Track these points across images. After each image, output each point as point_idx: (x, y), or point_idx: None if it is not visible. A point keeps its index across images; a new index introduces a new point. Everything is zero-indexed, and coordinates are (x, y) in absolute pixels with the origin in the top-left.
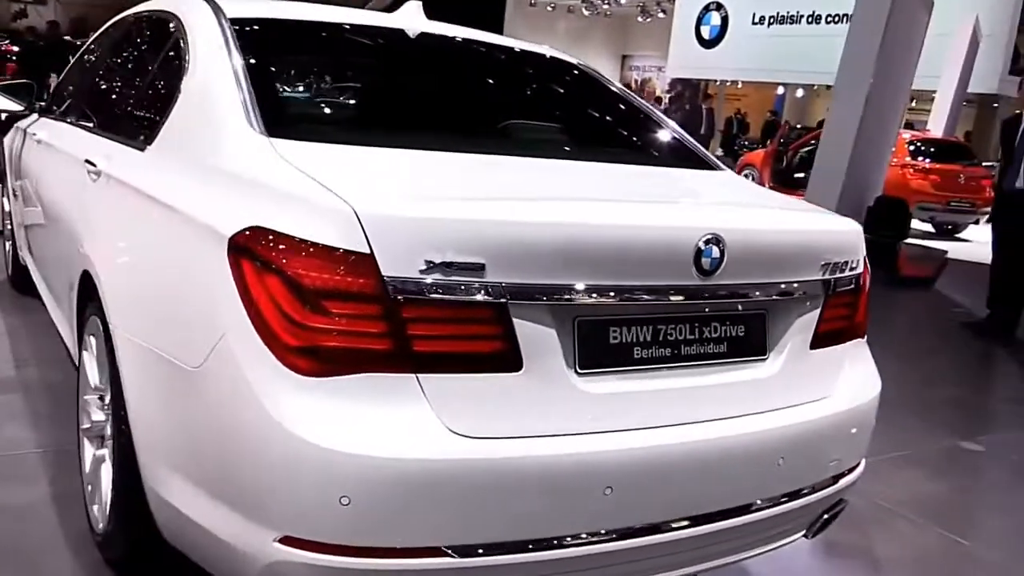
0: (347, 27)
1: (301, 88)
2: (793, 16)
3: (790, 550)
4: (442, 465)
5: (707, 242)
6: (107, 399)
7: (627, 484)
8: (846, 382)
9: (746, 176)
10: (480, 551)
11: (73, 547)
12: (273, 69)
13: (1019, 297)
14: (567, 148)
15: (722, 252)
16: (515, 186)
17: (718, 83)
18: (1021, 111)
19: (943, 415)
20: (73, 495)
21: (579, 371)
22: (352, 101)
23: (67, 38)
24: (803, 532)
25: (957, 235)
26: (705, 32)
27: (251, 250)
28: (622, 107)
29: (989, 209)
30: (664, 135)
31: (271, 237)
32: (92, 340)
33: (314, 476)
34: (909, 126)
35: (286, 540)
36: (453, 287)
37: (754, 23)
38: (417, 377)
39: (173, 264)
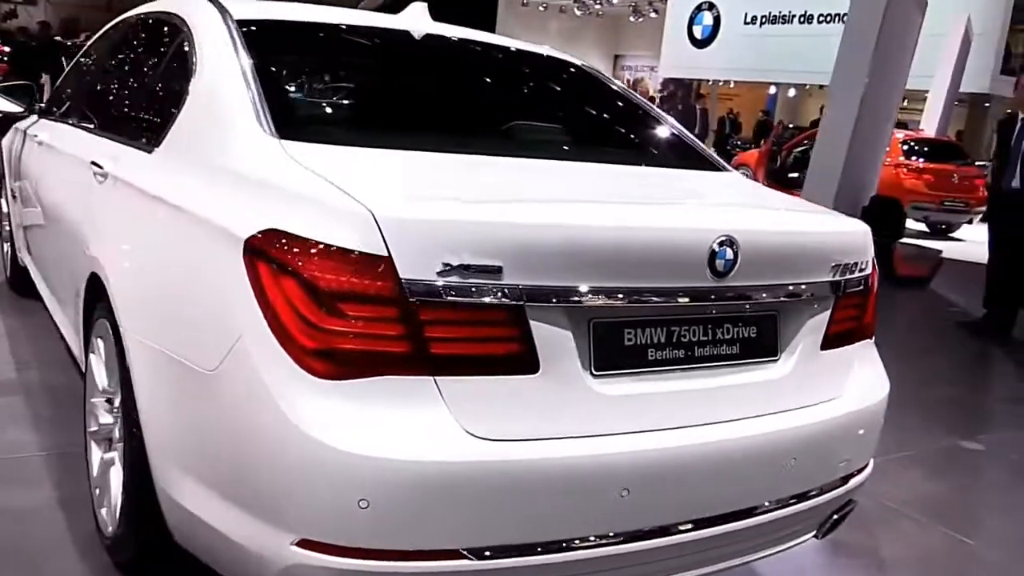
0: (354, 29)
1: (308, 90)
2: (785, 16)
3: (798, 550)
4: (460, 467)
5: (721, 244)
6: (116, 402)
7: (643, 486)
8: (855, 383)
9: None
10: (497, 553)
11: (80, 550)
12: (281, 71)
13: (1015, 296)
14: (577, 149)
15: (736, 254)
16: (530, 188)
17: (710, 83)
18: (1012, 110)
19: (942, 414)
20: (78, 498)
21: (594, 373)
22: (360, 103)
23: (57, 39)
24: (813, 533)
25: (951, 234)
26: (697, 32)
27: (267, 252)
28: (628, 108)
29: (983, 208)
30: (670, 136)
31: (287, 239)
32: (100, 343)
33: (332, 479)
34: (903, 126)
35: (303, 543)
36: (470, 289)
37: (746, 23)
38: (435, 380)
39: (186, 266)
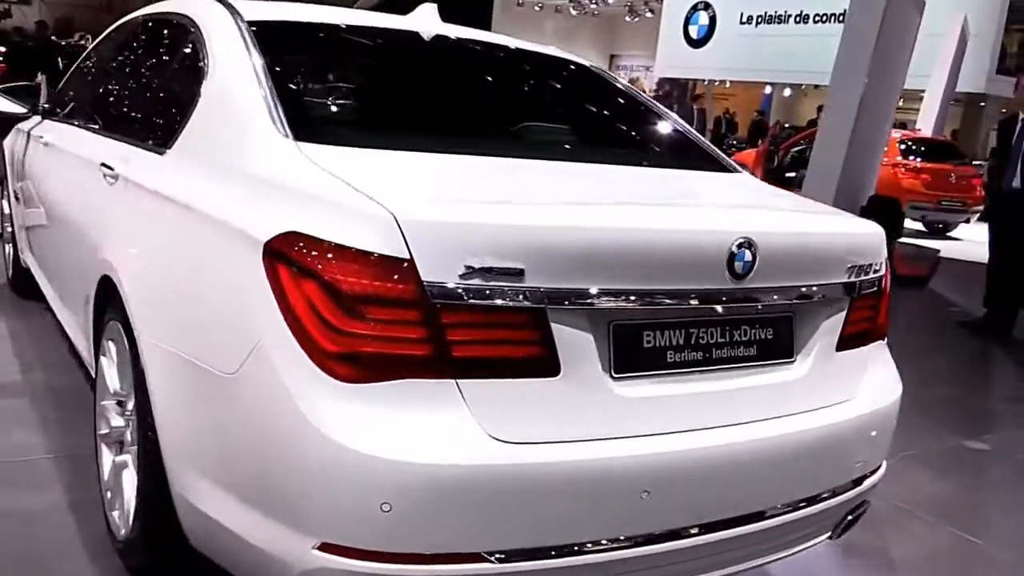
0: (365, 30)
1: (321, 92)
2: (781, 16)
3: (810, 551)
4: (483, 471)
5: (740, 246)
6: (129, 405)
7: (664, 488)
8: (869, 384)
9: None
10: (519, 556)
11: (90, 554)
12: (293, 73)
13: (1016, 296)
14: (591, 151)
15: (754, 256)
16: (549, 190)
17: (706, 82)
18: (1008, 109)
19: (945, 414)
20: (88, 501)
21: (614, 375)
22: (373, 105)
23: (53, 39)
24: (829, 534)
25: (948, 234)
26: (693, 32)
27: (287, 255)
28: (639, 110)
29: (980, 208)
30: (680, 137)
31: (308, 242)
32: (111, 345)
33: (355, 483)
34: (901, 125)
35: (325, 547)
36: (493, 292)
37: (742, 23)
38: (457, 383)
39: (203, 269)
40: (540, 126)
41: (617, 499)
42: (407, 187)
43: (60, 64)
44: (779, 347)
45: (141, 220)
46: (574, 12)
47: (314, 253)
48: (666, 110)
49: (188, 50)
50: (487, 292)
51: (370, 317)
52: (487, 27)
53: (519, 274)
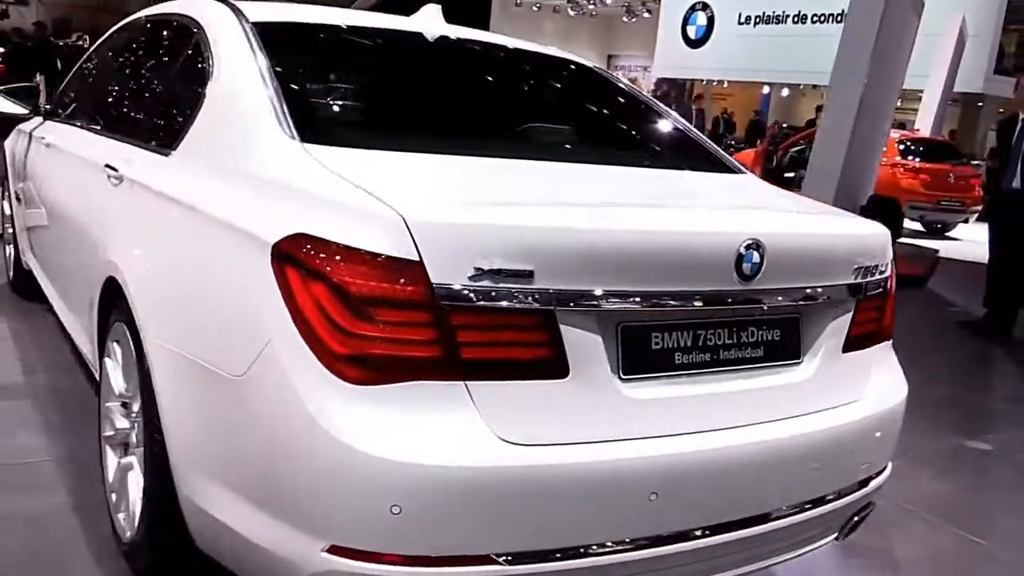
0: (370, 31)
1: (327, 93)
2: (779, 16)
3: (813, 551)
4: (493, 473)
5: (748, 247)
6: (135, 406)
7: (672, 489)
8: (875, 385)
9: None
10: (528, 558)
11: (95, 556)
12: (298, 74)
13: (1016, 296)
14: (597, 152)
15: (762, 257)
16: (558, 192)
17: (704, 83)
18: (1006, 110)
19: (947, 415)
20: (92, 503)
21: (623, 377)
22: (379, 106)
23: (51, 39)
24: (835, 534)
25: (946, 234)
26: (691, 32)
27: (296, 257)
28: (645, 111)
29: (978, 208)
30: (686, 138)
31: (317, 244)
32: (116, 347)
33: (364, 485)
34: (900, 125)
35: (334, 549)
36: (502, 294)
37: (740, 23)
38: (466, 385)
39: (210, 271)
40: (546, 127)
41: (626, 501)
42: (415, 189)
43: (59, 65)
44: (786, 348)
45: (147, 221)
46: (572, 12)
47: (323, 255)
48: (670, 111)
49: (192, 51)
50: (496, 294)
51: (379, 319)
52: (485, 27)
53: (528, 276)
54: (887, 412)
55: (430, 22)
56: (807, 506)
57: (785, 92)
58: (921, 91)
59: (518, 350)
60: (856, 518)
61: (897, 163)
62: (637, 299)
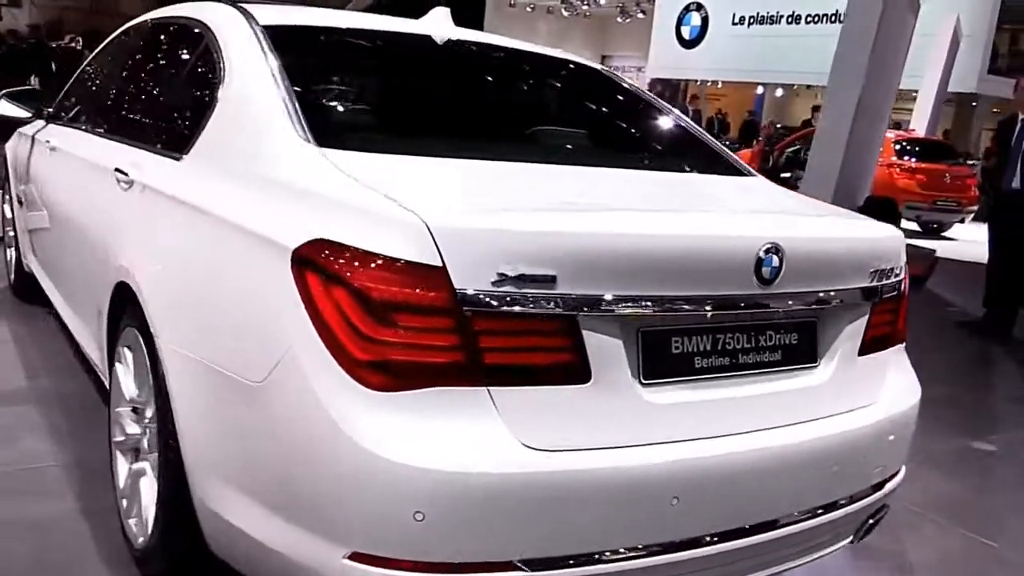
0: (382, 34)
1: (340, 96)
2: (773, 16)
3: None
4: (516, 479)
5: (767, 251)
6: (148, 412)
7: (693, 494)
8: (890, 388)
9: None
10: (550, 565)
11: (106, 562)
12: (312, 78)
13: (1015, 296)
14: (611, 156)
15: (781, 261)
16: (577, 196)
17: (698, 83)
18: (1003, 110)
19: (951, 415)
20: (101, 508)
21: (643, 382)
22: (392, 110)
23: (44, 41)
24: (850, 538)
25: (943, 234)
26: (685, 32)
27: (316, 263)
28: (657, 114)
29: (974, 208)
30: (697, 141)
31: (338, 250)
32: (126, 352)
33: (387, 492)
34: (895, 126)
35: (356, 556)
36: (525, 299)
37: (734, 23)
38: (488, 390)
39: (227, 276)
40: (560, 130)
41: (647, 506)
42: (435, 193)
43: (53, 67)
44: (803, 352)
45: (160, 226)
46: (566, 13)
47: (344, 260)
48: (680, 114)
49: (202, 55)
50: (519, 299)
51: (402, 325)
52: (479, 28)
53: (551, 281)
54: (902, 415)
55: (439, 25)
56: (825, 510)
57: (779, 92)
58: (915, 91)
59: (540, 355)
60: (871, 521)
61: (893, 163)
62: (658, 304)
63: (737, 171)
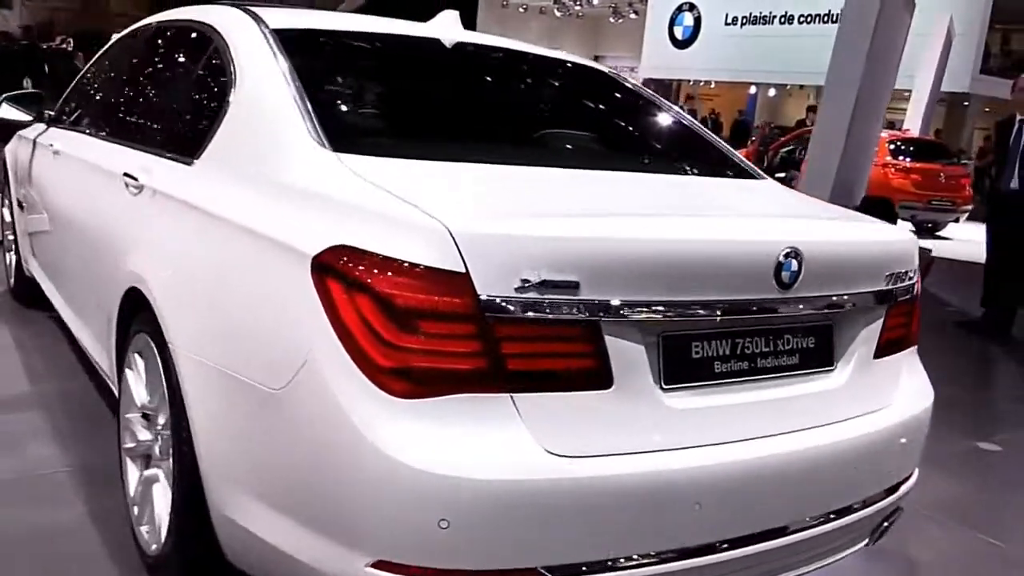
0: (393, 38)
1: (353, 101)
2: (766, 16)
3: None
4: (540, 485)
5: (787, 255)
6: (159, 419)
7: (715, 499)
8: (904, 391)
9: None
10: (573, 571)
11: (117, 569)
12: (323, 82)
13: (1013, 296)
14: (626, 159)
15: (800, 265)
16: (596, 201)
17: (691, 83)
18: (992, 109)
19: (954, 416)
20: (110, 515)
21: (664, 387)
22: (406, 114)
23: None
24: (866, 540)
25: (937, 233)
26: (678, 32)
27: (337, 269)
28: (669, 118)
29: (969, 207)
30: (708, 144)
31: (359, 256)
32: (137, 357)
33: (412, 499)
34: (889, 125)
35: (380, 564)
36: (548, 306)
37: (727, 23)
38: (512, 397)
39: (243, 282)
40: (574, 134)
41: (669, 511)
42: (455, 199)
43: (45, 68)
44: (820, 356)
45: (173, 232)
46: (558, 13)
47: (365, 267)
48: (691, 118)
49: (211, 59)
50: (542, 305)
51: (425, 332)
52: (472, 28)
53: (574, 287)
54: (916, 417)
55: (448, 28)
56: (844, 513)
57: (772, 92)
58: (908, 91)
59: (563, 361)
60: (886, 523)
61: (888, 163)
62: (680, 308)
63: (747, 174)
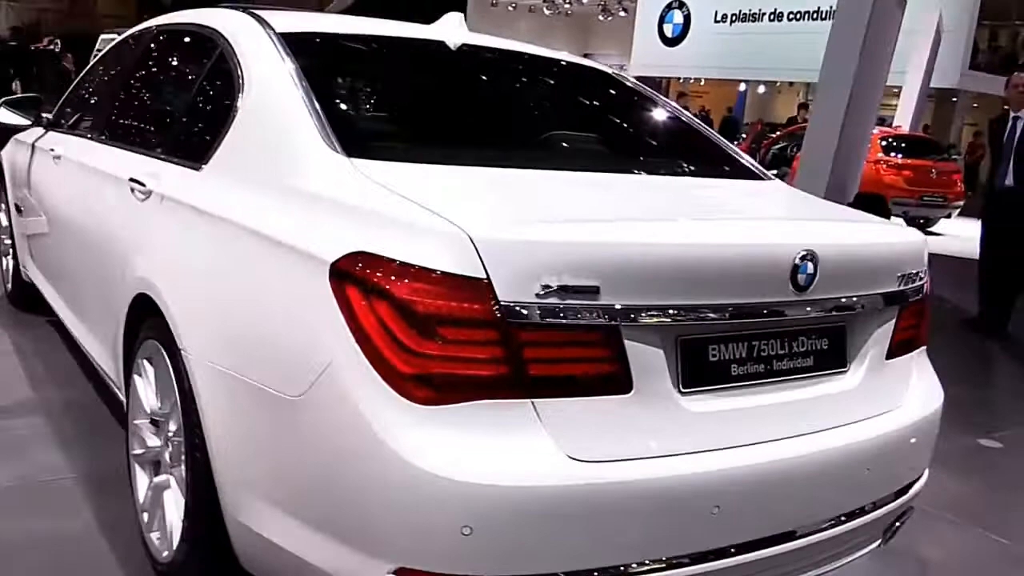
0: (400, 41)
1: (364, 105)
2: (755, 14)
3: None
4: (562, 491)
5: (803, 258)
6: (170, 424)
7: (733, 501)
8: (915, 391)
9: None
10: None
11: None
12: (334, 85)
13: (1009, 293)
14: (639, 162)
15: (816, 268)
16: (613, 205)
17: (681, 80)
18: (982, 106)
19: (954, 413)
20: (118, 522)
21: (682, 390)
22: (418, 118)
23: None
24: (879, 540)
25: (929, 229)
26: (668, 30)
27: (356, 276)
28: (679, 120)
29: (960, 203)
30: (716, 146)
31: (378, 263)
32: (146, 364)
33: (435, 506)
34: (880, 121)
35: (402, 572)
36: (568, 311)
37: (716, 21)
38: (533, 403)
39: (258, 288)
40: (586, 136)
41: (690, 515)
42: (473, 204)
43: (34, 69)
44: (833, 357)
45: (183, 237)
46: (547, 12)
47: (385, 273)
48: (700, 121)
49: (217, 63)
50: (563, 311)
51: (446, 338)
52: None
53: (595, 292)
54: (927, 417)
55: (453, 30)
56: (859, 513)
57: (761, 90)
58: (898, 87)
59: (584, 366)
60: (898, 523)
61: (880, 159)
62: (698, 312)
63: (755, 175)
